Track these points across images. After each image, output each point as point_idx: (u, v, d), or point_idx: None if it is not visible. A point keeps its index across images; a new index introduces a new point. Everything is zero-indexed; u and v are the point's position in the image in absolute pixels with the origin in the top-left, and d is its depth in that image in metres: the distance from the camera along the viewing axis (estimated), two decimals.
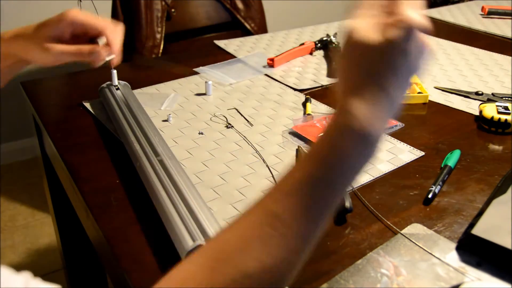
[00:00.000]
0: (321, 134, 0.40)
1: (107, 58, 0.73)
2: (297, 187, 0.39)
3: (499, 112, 0.84)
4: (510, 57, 1.18)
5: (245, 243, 0.38)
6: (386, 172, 0.72)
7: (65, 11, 0.70)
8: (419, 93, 0.96)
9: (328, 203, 0.39)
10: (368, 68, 0.39)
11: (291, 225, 0.38)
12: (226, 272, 0.37)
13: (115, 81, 0.90)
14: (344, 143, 0.38)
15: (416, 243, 0.58)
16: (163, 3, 1.60)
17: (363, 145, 0.38)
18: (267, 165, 0.73)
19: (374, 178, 0.71)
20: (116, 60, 0.75)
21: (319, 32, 1.36)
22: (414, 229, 0.60)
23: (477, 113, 0.89)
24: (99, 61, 0.73)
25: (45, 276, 1.76)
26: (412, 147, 0.79)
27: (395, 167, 0.73)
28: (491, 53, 1.21)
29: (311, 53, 1.20)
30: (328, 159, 0.39)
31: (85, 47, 0.72)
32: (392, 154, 0.77)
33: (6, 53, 0.71)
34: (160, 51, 1.59)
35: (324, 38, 1.22)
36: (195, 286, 0.37)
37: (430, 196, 0.66)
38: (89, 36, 0.74)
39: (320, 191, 0.38)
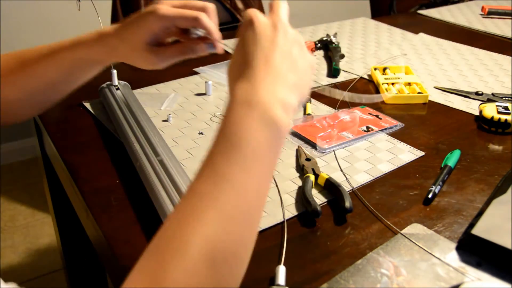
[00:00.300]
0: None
1: (211, 51, 0.65)
2: (208, 161, 0.43)
3: (499, 112, 0.84)
4: (510, 57, 1.18)
5: (181, 222, 0.40)
6: (386, 172, 0.72)
7: (153, 8, 0.62)
8: (419, 93, 0.96)
9: (238, 164, 0.42)
10: (238, 58, 0.49)
11: (213, 195, 0.41)
12: (171, 248, 0.39)
13: (115, 81, 0.91)
14: (231, 113, 0.44)
15: (416, 243, 0.58)
16: None
17: (250, 112, 0.44)
18: None
19: (374, 178, 0.71)
20: (219, 48, 0.65)
21: (319, 32, 1.36)
22: (414, 229, 0.60)
23: (477, 113, 0.89)
24: (203, 54, 0.66)
25: (45, 276, 1.77)
26: (412, 147, 0.79)
27: (395, 167, 0.73)
28: (491, 53, 1.21)
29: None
30: (221, 128, 0.44)
31: (185, 46, 0.65)
32: (392, 154, 0.77)
33: (103, 60, 0.68)
34: None
35: (324, 38, 1.22)
36: (148, 275, 0.39)
37: (430, 196, 0.66)
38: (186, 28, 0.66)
39: (226, 159, 0.42)
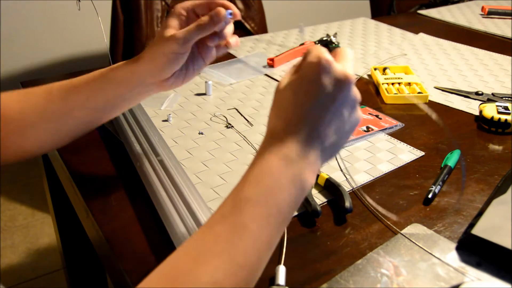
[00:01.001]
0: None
1: (229, 18, 0.61)
2: (232, 204, 0.44)
3: (499, 112, 0.84)
4: (510, 57, 1.18)
5: (194, 259, 0.41)
6: (386, 172, 0.72)
7: (174, 7, 0.62)
8: (419, 93, 0.96)
9: (262, 217, 0.43)
10: (291, 97, 0.46)
11: (230, 241, 0.42)
12: (181, 282, 0.40)
13: None
14: (267, 162, 0.45)
15: (416, 243, 0.58)
16: (163, 3, 1.61)
17: (286, 169, 0.45)
18: None
19: (374, 178, 0.71)
20: (233, 41, 0.63)
21: (319, 32, 1.36)
22: (414, 229, 0.60)
23: (477, 113, 0.89)
24: (222, 24, 0.61)
25: (45, 276, 1.76)
26: (412, 147, 0.79)
27: (395, 167, 0.73)
28: (491, 53, 1.21)
29: None
30: (253, 171, 0.46)
31: (203, 18, 0.61)
32: (392, 154, 0.77)
33: (140, 99, 0.67)
34: None
35: (324, 38, 1.22)
36: None
37: (430, 196, 0.66)
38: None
39: (250, 211, 0.43)
